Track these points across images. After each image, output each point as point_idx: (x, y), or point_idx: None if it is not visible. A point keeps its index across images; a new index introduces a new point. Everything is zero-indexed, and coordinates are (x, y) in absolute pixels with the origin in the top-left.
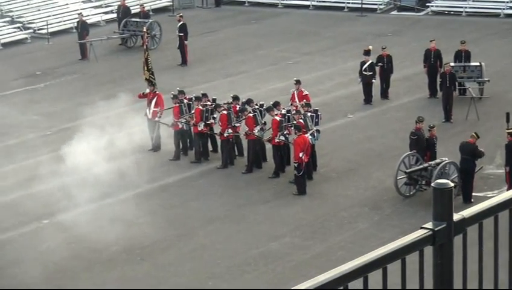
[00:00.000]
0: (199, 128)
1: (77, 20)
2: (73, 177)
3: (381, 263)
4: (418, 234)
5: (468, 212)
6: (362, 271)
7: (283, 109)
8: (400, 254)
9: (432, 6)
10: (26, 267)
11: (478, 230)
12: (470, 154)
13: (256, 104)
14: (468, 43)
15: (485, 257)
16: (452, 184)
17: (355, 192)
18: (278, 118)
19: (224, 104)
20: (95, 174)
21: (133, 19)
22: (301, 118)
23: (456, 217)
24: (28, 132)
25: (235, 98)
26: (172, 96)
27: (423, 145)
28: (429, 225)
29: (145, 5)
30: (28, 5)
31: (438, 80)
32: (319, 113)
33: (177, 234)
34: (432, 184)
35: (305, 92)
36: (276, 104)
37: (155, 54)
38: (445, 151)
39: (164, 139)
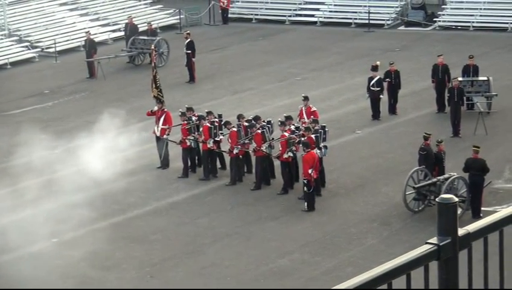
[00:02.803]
0: (209, 146)
1: (85, 38)
2: (82, 195)
3: (386, 278)
4: (423, 249)
5: (473, 226)
6: (367, 286)
7: (292, 125)
8: (405, 269)
9: (440, 21)
10: (37, 284)
11: (483, 245)
12: (480, 170)
13: (264, 121)
14: (476, 57)
15: (491, 272)
16: (456, 199)
17: (364, 208)
18: (286, 134)
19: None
20: (104, 192)
21: (141, 37)
22: (310, 135)
23: (461, 231)
24: (36, 150)
25: (240, 116)
26: (180, 113)
27: (432, 161)
28: (434, 239)
29: (152, 22)
30: (35, 24)
31: (446, 94)
32: (326, 129)
33: (186, 251)
34: (437, 199)
35: (313, 108)
36: (288, 119)
37: (163, 71)
38: (453, 166)
39: (172, 156)
